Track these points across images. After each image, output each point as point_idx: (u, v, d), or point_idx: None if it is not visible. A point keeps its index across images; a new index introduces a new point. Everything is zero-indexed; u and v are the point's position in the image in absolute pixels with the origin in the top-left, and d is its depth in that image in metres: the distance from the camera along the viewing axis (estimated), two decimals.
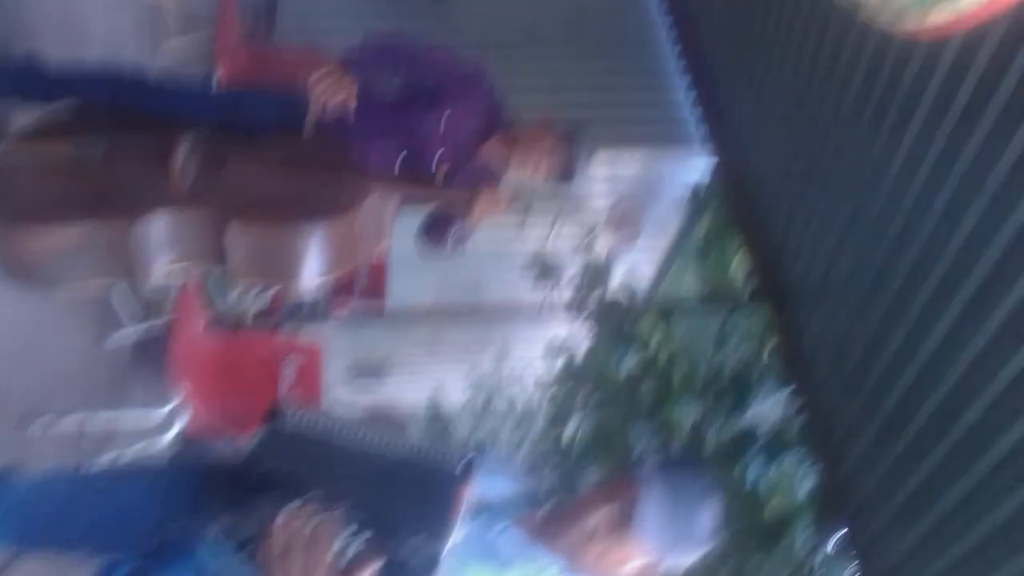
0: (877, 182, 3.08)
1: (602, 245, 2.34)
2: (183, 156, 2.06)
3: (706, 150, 5.15)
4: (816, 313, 3.68)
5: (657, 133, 5.49)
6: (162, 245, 2.04)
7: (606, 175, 5.70)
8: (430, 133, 2.40)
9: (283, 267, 2.09)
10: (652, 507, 1.53)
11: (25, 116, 2.36)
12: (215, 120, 2.33)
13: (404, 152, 2.42)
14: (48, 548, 1.88)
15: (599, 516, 1.58)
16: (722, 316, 4.49)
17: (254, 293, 4.01)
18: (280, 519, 1.21)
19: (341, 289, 4.35)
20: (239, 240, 2.01)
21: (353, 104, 2.26)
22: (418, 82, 2.47)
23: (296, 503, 1.23)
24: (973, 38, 2.43)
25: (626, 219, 2.34)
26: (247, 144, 2.23)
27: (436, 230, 2.49)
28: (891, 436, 2.98)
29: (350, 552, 1.24)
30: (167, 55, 3.88)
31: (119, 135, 2.19)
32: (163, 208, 2.00)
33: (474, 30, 5.79)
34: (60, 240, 1.98)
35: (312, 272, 2.10)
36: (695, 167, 5.57)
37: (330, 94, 2.23)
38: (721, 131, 4.86)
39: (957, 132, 2.62)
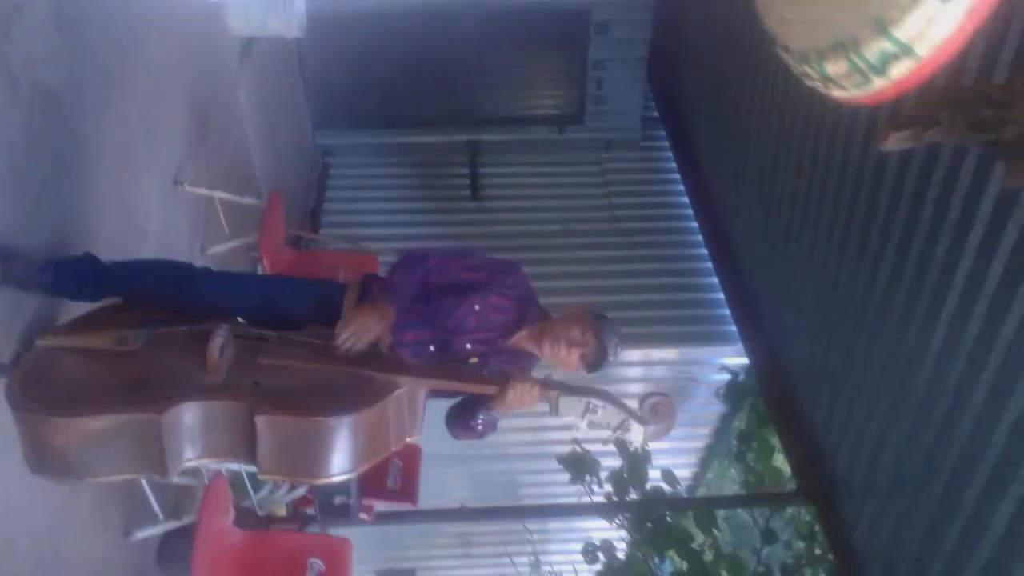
0: (917, 365, 3.03)
1: (635, 436, 2.27)
2: (218, 347, 2.11)
3: (740, 346, 5.16)
4: (866, 508, 3.52)
5: (690, 330, 5.54)
6: (192, 435, 2.04)
7: (640, 369, 5.70)
8: (461, 325, 2.43)
9: (311, 460, 2.07)
10: None
11: (77, 310, 2.46)
12: (253, 308, 2.40)
13: (435, 344, 2.45)
14: None
15: None
16: (767, 513, 4.30)
17: (282, 490, 3.95)
18: None
19: (371, 488, 4.26)
20: (267, 432, 2.00)
21: (388, 340, 2.32)
22: (450, 280, 2.54)
23: None
24: (1003, 207, 2.47)
25: (659, 410, 2.29)
26: (282, 334, 2.28)
27: (465, 417, 2.46)
28: None
29: None
30: (216, 258, 4.06)
31: (160, 326, 2.25)
32: (195, 398, 2.02)
33: (509, 226, 6.04)
34: (92, 428, 1.99)
35: (340, 466, 2.07)
36: (729, 363, 5.57)
37: (363, 337, 2.28)
38: (753, 327, 4.89)
39: (997, 301, 2.59)
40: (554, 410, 2.28)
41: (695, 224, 6.09)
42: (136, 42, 3.44)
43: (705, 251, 5.87)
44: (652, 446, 5.40)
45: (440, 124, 6.61)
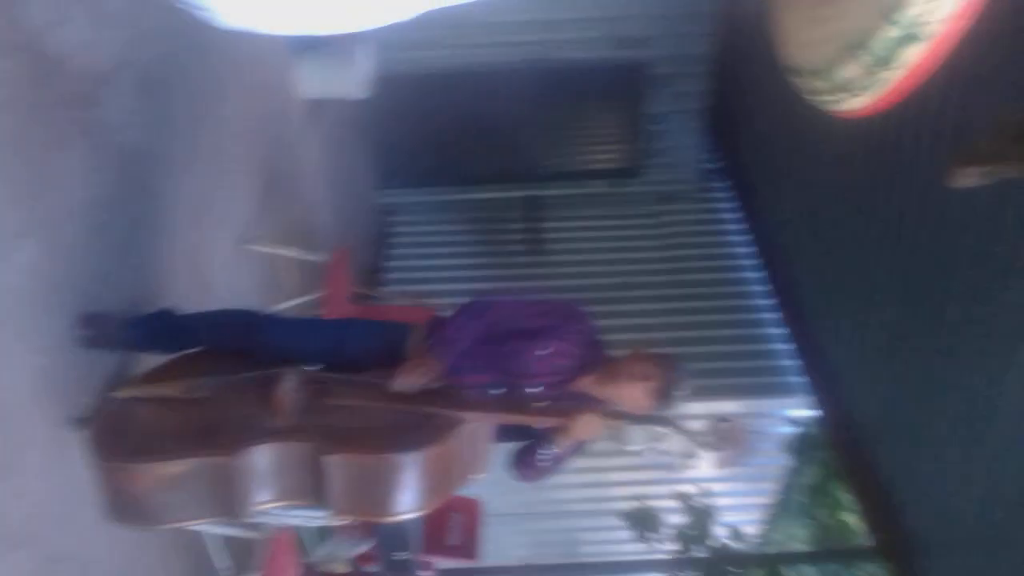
0: (993, 414, 2.92)
1: (705, 463, 2.21)
2: (287, 391, 2.14)
3: (807, 397, 5.04)
4: (944, 565, 3.37)
5: (755, 382, 5.44)
6: (263, 478, 2.07)
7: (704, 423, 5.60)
8: (527, 369, 2.42)
9: (381, 498, 2.08)
10: None
11: (152, 361, 2.53)
12: (321, 352, 2.44)
13: (499, 387, 2.44)
14: None
15: None
16: (837, 570, 4.15)
17: (346, 546, 3.95)
18: None
19: (432, 544, 4.24)
20: (336, 472, 2.03)
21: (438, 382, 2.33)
22: (516, 326, 2.54)
23: None
24: None
25: (729, 435, 2.22)
26: (348, 376, 2.31)
27: (530, 456, 2.43)
28: None
29: None
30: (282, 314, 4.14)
31: (230, 372, 2.31)
32: (265, 441, 2.06)
33: (569, 280, 6.05)
34: (167, 473, 2.04)
35: (410, 503, 2.08)
36: (796, 415, 5.44)
37: (424, 375, 2.30)
38: (822, 377, 4.78)
39: None
40: (620, 440, 2.25)
41: (757, 274, 6.02)
42: (213, 105, 3.58)
43: (769, 301, 5.79)
44: (722, 496, 5.29)
45: (499, 180, 6.70)
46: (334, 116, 5.35)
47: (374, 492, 2.06)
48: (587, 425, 2.24)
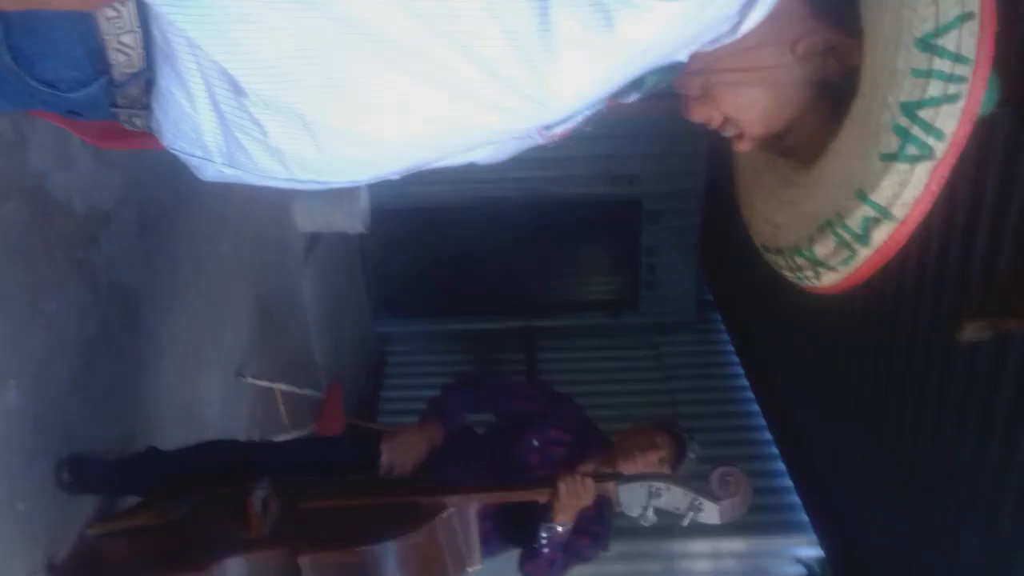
0: (1009, 553, 2.81)
1: (710, 516, 2.07)
2: (258, 500, 2.05)
3: (813, 536, 4.89)
4: None
5: (759, 519, 5.29)
6: None
7: (707, 562, 5.41)
8: (522, 462, 2.33)
9: None
10: None
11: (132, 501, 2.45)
12: (295, 464, 2.38)
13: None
14: None
15: None
16: None
17: None
18: None
19: None
20: (313, 574, 1.92)
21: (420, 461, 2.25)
22: (507, 412, 2.46)
23: None
24: None
25: (729, 482, 2.08)
26: (323, 482, 2.23)
27: (529, 546, 2.27)
28: None
29: None
30: None
31: (204, 491, 2.23)
32: (238, 553, 1.98)
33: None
34: None
35: None
36: (803, 556, 5.27)
37: (407, 456, 2.23)
38: (826, 515, 4.65)
39: None
40: (616, 503, 2.12)
41: (756, 408, 5.95)
42: (211, 241, 3.61)
43: (770, 436, 5.70)
44: None
45: (496, 312, 6.72)
46: (331, 248, 5.40)
47: None
48: (573, 488, 2.09)
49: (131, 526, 2.23)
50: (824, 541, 4.67)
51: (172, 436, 3.00)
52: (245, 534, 2.04)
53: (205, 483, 2.34)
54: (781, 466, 5.47)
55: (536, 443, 2.37)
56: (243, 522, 2.05)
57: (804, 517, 5.06)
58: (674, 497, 2.08)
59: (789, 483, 5.33)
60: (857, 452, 4.12)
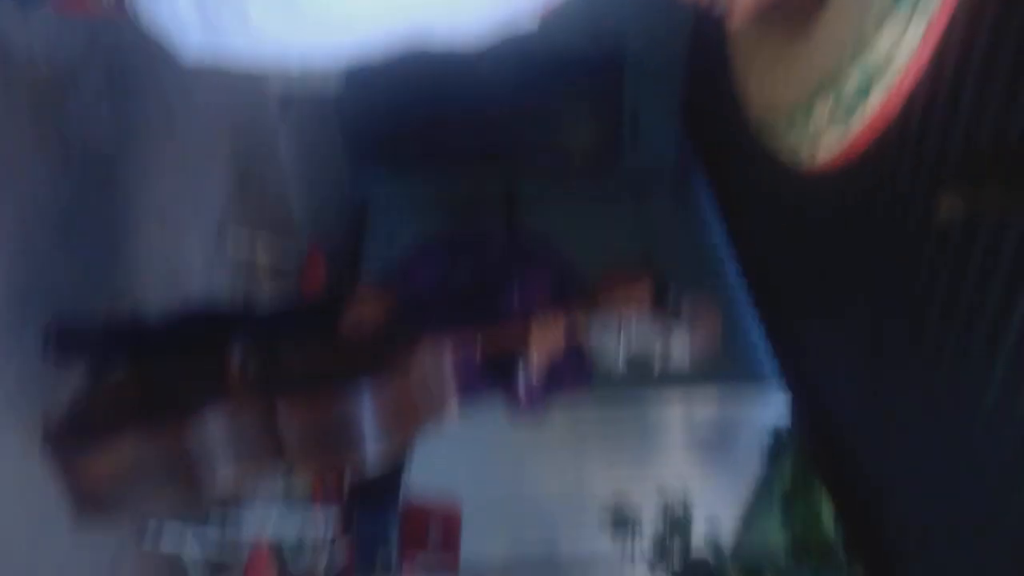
0: (975, 407, 2.91)
1: (681, 347, 2.11)
2: (233, 356, 2.08)
3: (783, 395, 5.04)
4: (920, 569, 3.39)
5: (732, 369, 5.42)
6: (219, 446, 1.99)
7: (680, 407, 5.60)
8: (504, 305, 2.32)
9: (336, 441, 1.99)
10: None
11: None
12: (271, 322, 2.42)
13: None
14: None
15: None
16: (814, 572, 4.17)
17: (325, 555, 3.91)
18: None
19: (413, 543, 4.21)
20: (290, 421, 1.96)
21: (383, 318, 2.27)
22: (481, 267, 2.45)
23: None
24: None
25: (698, 311, 2.13)
26: (298, 336, 2.26)
27: (508, 391, 2.30)
28: None
29: None
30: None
31: (185, 355, 2.26)
32: (214, 407, 1.99)
33: None
34: (118, 459, 1.97)
35: (371, 439, 1.99)
36: (774, 405, 5.45)
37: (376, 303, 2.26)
38: (795, 368, 4.77)
39: None
40: (586, 340, 2.16)
41: (735, 267, 5.99)
42: (182, 101, 3.48)
43: (747, 296, 5.76)
44: (694, 486, 5.28)
45: (475, 174, 6.62)
46: (308, 107, 5.25)
47: (330, 434, 1.98)
48: (544, 328, 2.13)
49: (115, 390, 2.24)
50: (792, 403, 4.82)
51: (156, 300, 3.00)
52: (224, 390, 2.05)
53: (188, 347, 2.36)
54: (755, 325, 5.57)
55: (515, 297, 2.33)
56: (221, 379, 2.07)
57: (776, 376, 5.19)
58: (644, 330, 2.08)
59: (763, 342, 5.44)
60: (832, 316, 4.20)
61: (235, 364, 2.08)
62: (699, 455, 6.02)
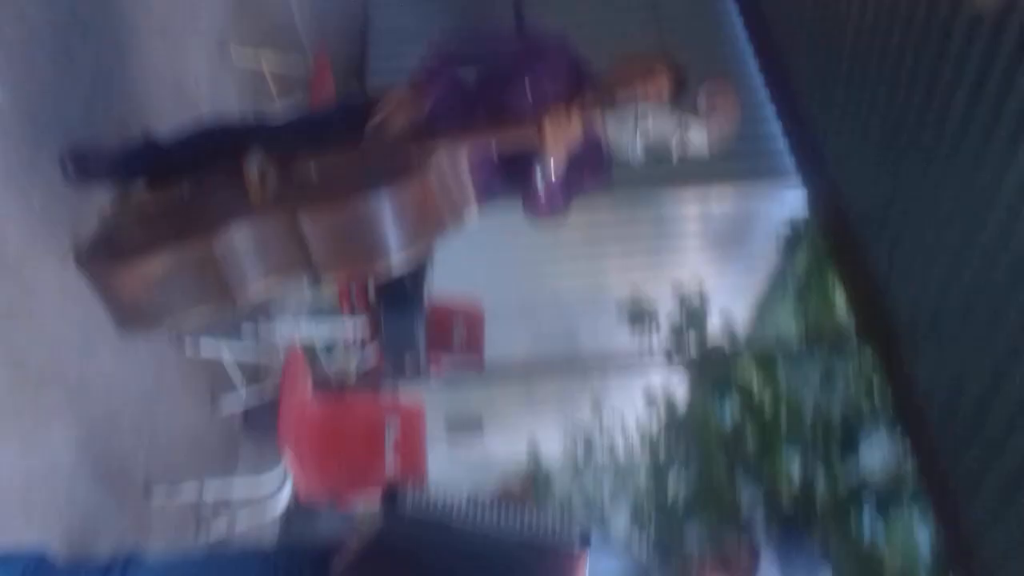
0: (989, 204, 2.93)
1: (698, 138, 2.10)
2: (254, 166, 2.10)
3: (799, 182, 5.02)
4: (927, 352, 3.52)
5: (747, 166, 5.38)
6: (248, 256, 2.04)
7: (695, 207, 5.62)
8: (518, 103, 2.28)
9: (364, 245, 2.03)
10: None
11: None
12: (286, 133, 2.42)
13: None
14: None
15: None
16: (826, 358, 4.34)
17: (357, 355, 4.10)
18: None
19: (439, 344, 4.40)
20: (314, 229, 1.99)
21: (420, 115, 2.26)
22: (496, 63, 2.41)
23: None
24: None
25: (716, 100, 2.13)
26: (315, 145, 2.25)
27: (526, 191, 2.29)
28: (1021, 487, 2.80)
29: None
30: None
31: (204, 169, 2.28)
32: (239, 218, 2.03)
33: None
34: (153, 269, 2.03)
35: (395, 244, 2.03)
36: (789, 201, 5.45)
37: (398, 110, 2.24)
38: (813, 161, 4.72)
39: None
40: (604, 133, 2.13)
41: (753, 51, 5.77)
42: None
43: (764, 81, 5.58)
44: (710, 283, 5.39)
45: None
46: None
47: (355, 239, 2.01)
48: (558, 123, 2.08)
49: (141, 208, 2.29)
50: (810, 191, 4.81)
51: (166, 118, 2.99)
52: (245, 201, 2.07)
53: (204, 163, 2.37)
54: (773, 118, 5.45)
55: (528, 94, 2.27)
56: (242, 190, 2.09)
57: (794, 166, 5.14)
58: (661, 119, 2.03)
59: (780, 131, 5.35)
60: (852, 104, 4.11)
61: (254, 175, 2.10)
62: (716, 251, 6.10)
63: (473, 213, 2.17)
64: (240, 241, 2.02)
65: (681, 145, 2.07)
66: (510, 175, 2.34)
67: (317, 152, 2.20)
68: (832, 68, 4.27)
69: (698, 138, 2.04)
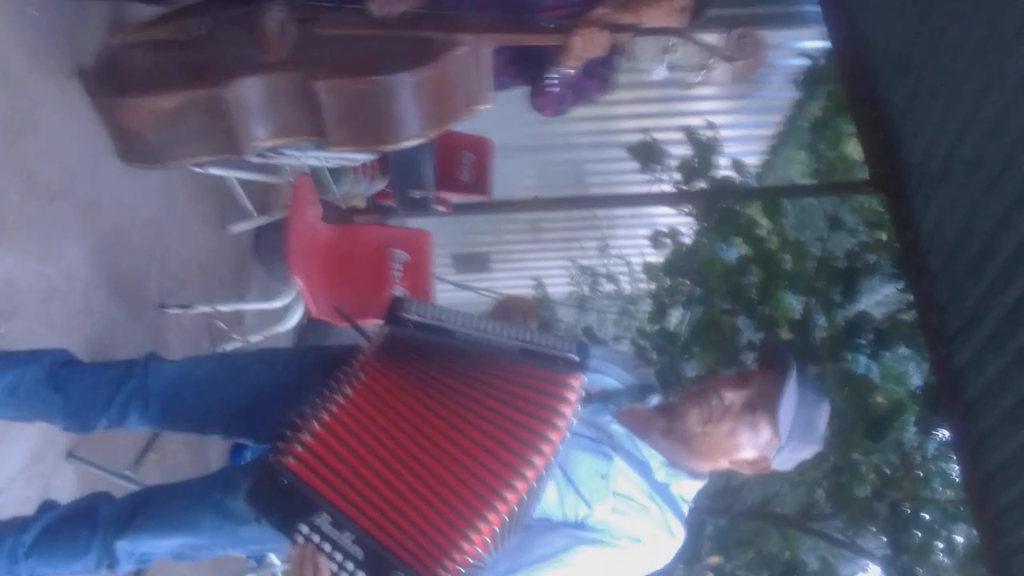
0: (1010, 53, 2.86)
1: (719, 75, 2.18)
2: (273, 21, 2.07)
3: (820, 28, 4.87)
4: (935, 200, 3.52)
5: (768, 12, 5.22)
6: (259, 112, 2.05)
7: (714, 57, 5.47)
8: (538, 2, 2.27)
9: (378, 125, 2.06)
10: (792, 398, 1.55)
11: (143, 10, 2.46)
12: None
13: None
14: (185, 428, 2.03)
15: (733, 396, 1.61)
16: (835, 201, 4.33)
17: (363, 184, 4.11)
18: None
19: (446, 181, 4.40)
20: (328, 100, 2.00)
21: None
22: None
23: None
24: None
25: (745, 43, 2.17)
26: (339, 4, 2.21)
27: (540, 84, 2.33)
28: (1008, 333, 2.87)
29: None
30: None
31: (221, 13, 2.23)
32: (256, 73, 2.02)
33: None
34: (161, 107, 2.04)
35: (409, 130, 2.06)
36: (808, 47, 5.31)
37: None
38: (835, 9, 4.57)
39: None
40: (630, 55, 2.18)
41: None
42: None
43: None
44: (726, 128, 5.33)
45: None
46: None
47: (369, 118, 2.04)
48: (588, 39, 2.10)
49: (151, 39, 2.24)
50: (830, 32, 4.65)
51: None
52: (262, 55, 2.06)
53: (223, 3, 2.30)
54: None
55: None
56: (260, 43, 2.06)
57: (813, 9, 4.97)
58: (688, 54, 2.05)
59: None
60: None
61: (275, 28, 2.05)
62: (730, 100, 6.00)
63: (489, 103, 2.19)
64: (253, 95, 2.02)
65: (702, 77, 2.06)
66: (523, 67, 2.35)
67: (340, 12, 2.15)
68: None
69: (720, 75, 2.05)
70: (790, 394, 1.54)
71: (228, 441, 3.21)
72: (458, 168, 4.49)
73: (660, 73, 2.16)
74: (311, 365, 1.83)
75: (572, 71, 2.26)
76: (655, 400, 1.76)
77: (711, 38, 2.13)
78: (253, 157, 2.44)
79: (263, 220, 3.53)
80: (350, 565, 1.31)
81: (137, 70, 2.18)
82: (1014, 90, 2.89)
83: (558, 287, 7.36)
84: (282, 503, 1.36)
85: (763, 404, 1.58)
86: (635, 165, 4.79)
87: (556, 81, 2.29)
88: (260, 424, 1.78)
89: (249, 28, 2.10)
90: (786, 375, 1.56)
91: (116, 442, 2.54)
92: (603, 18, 2.24)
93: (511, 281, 7.56)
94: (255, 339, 3.22)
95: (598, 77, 2.40)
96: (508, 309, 1.78)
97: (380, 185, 4.22)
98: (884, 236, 4.00)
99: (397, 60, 2.01)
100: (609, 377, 1.78)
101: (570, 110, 2.46)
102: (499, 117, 2.36)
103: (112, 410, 1.89)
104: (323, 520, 1.33)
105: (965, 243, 3.23)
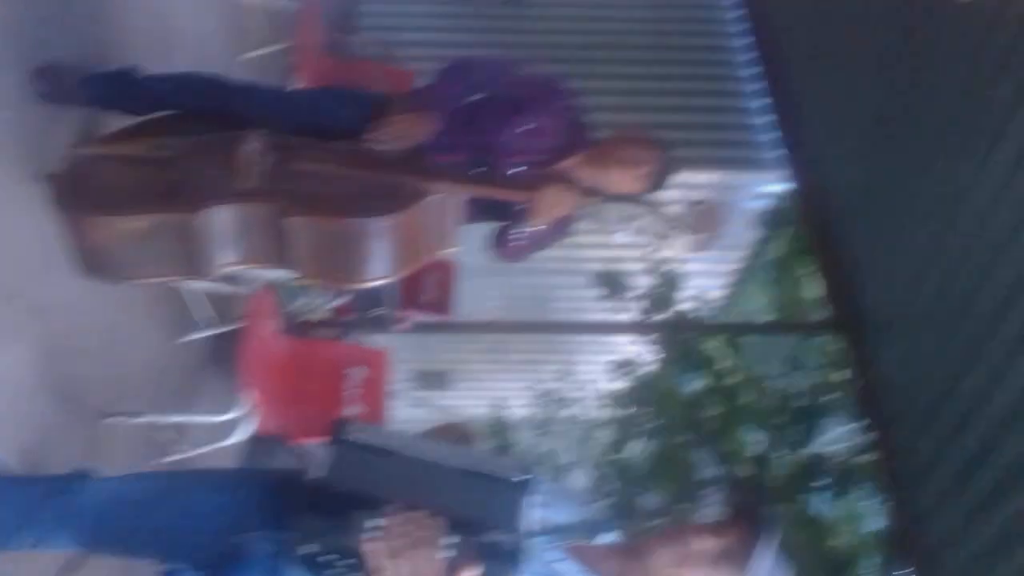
0: (963, 209, 2.97)
1: (679, 246, 2.23)
2: (251, 151, 2.09)
3: (782, 173, 5.06)
4: (892, 344, 3.57)
5: (732, 155, 5.41)
6: (227, 238, 2.06)
7: (679, 192, 5.63)
8: (508, 145, 2.34)
9: (346, 264, 2.09)
10: (767, 560, 1.51)
11: (115, 123, 2.46)
12: (289, 118, 2.35)
13: (480, 165, 2.39)
14: (117, 551, 1.92)
15: (712, 544, 1.56)
16: (793, 342, 4.38)
17: (323, 299, 4.08)
18: (385, 522, 1.30)
19: (408, 300, 4.38)
20: (300, 235, 2.02)
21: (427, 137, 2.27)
22: (497, 95, 2.43)
23: (381, 515, 1.31)
24: None
25: (708, 219, 2.23)
26: (316, 142, 2.24)
27: (505, 235, 2.40)
28: (968, 480, 2.86)
29: (451, 554, 1.29)
30: (249, 64, 3.98)
31: (196, 134, 2.24)
32: (227, 201, 2.03)
33: (547, 36, 5.81)
34: (130, 228, 2.04)
35: (376, 270, 2.09)
36: (770, 190, 5.48)
37: (407, 134, 2.23)
38: (798, 154, 4.76)
39: None
40: (594, 218, 2.25)
41: (744, 42, 5.78)
42: None
43: (754, 71, 5.61)
44: (689, 263, 5.42)
45: None
46: None
47: (339, 257, 2.07)
48: (556, 200, 2.19)
49: (122, 153, 2.24)
50: (793, 175, 4.83)
51: (145, 54, 2.91)
52: (234, 183, 2.07)
53: (195, 120, 2.32)
54: (761, 103, 5.46)
55: (526, 127, 2.34)
56: (236, 170, 2.08)
57: (777, 153, 5.16)
58: (648, 224, 2.14)
59: (767, 120, 5.36)
60: (837, 95, 4.12)
61: (252, 155, 2.08)
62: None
63: (455, 247, 2.24)
64: (225, 223, 2.03)
65: (659, 244, 2.17)
66: (488, 213, 2.42)
67: (316, 147, 2.20)
68: (825, 66, 4.28)
69: (677, 244, 2.16)
70: (766, 554, 1.50)
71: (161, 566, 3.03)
72: (421, 287, 4.49)
73: (623, 237, 2.23)
74: (255, 489, 1.75)
75: (535, 228, 2.33)
76: (609, 538, 1.70)
77: (674, 209, 2.22)
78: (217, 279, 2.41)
79: (218, 329, 3.46)
80: None
81: (107, 186, 2.16)
82: (965, 241, 2.98)
83: (518, 408, 7.27)
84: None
85: (737, 558, 1.53)
86: (599, 291, 4.84)
87: (521, 236, 2.36)
88: (197, 550, 1.68)
89: (226, 154, 2.12)
90: (767, 535, 1.52)
91: (41, 559, 2.38)
92: (570, 172, 2.34)
93: (470, 400, 7.47)
94: (202, 451, 3.10)
95: (557, 230, 2.46)
96: (443, 435, 1.74)
97: (341, 300, 4.20)
98: (844, 376, 4.03)
99: (372, 202, 2.05)
100: (560, 513, 1.72)
101: (526, 259, 2.53)
102: (463, 238, 2.37)
103: (39, 528, 1.78)
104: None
105: (923, 386, 3.26)
